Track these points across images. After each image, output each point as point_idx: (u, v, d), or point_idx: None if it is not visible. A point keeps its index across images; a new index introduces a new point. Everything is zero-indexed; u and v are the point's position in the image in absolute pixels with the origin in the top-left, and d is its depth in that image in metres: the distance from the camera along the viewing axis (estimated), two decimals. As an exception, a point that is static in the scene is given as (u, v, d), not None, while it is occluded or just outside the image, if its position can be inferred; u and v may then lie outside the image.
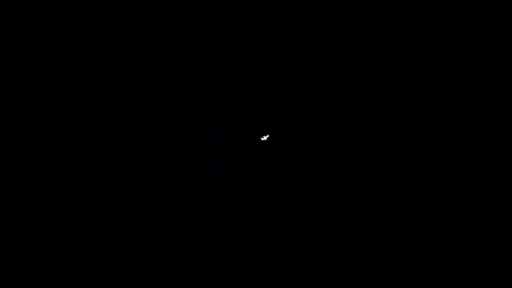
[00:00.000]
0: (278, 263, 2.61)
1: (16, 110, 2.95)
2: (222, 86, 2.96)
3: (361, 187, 2.72)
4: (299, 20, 3.06)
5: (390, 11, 3.03)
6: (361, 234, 2.65)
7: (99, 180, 2.83)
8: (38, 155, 2.87)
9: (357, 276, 2.57)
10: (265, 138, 2.57)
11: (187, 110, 2.96)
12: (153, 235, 2.70)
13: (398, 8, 3.03)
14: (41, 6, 3.02)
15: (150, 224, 2.73)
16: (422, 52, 3.02)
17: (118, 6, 3.04)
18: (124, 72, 3.05)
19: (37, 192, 2.80)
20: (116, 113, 2.96)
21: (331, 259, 2.61)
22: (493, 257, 2.57)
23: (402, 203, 2.70)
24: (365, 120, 2.78)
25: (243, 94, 2.94)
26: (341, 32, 3.06)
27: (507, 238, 2.60)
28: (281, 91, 2.94)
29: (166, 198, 2.79)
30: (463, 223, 2.65)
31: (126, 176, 2.83)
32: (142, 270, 2.61)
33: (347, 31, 3.05)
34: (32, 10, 3.02)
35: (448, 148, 2.76)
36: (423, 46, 3.03)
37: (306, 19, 3.06)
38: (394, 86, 2.91)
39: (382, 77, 3.01)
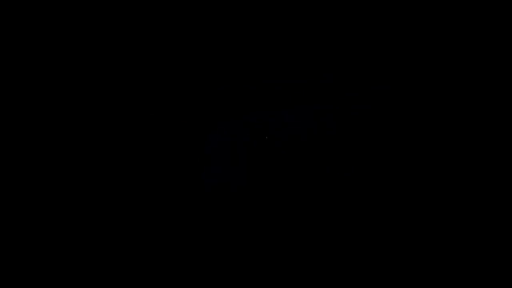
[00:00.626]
0: (278, 263, 2.61)
1: (16, 110, 2.94)
2: (222, 86, 2.96)
3: (361, 187, 2.72)
4: (299, 20, 3.06)
5: (390, 11, 3.03)
6: (361, 234, 2.65)
7: (98, 180, 2.83)
8: (37, 155, 2.87)
9: (357, 276, 2.57)
10: (267, 138, 2.57)
11: (187, 110, 2.96)
12: (152, 235, 2.70)
13: (398, 8, 3.03)
14: (40, 6, 3.02)
15: (149, 224, 2.73)
16: (422, 52, 3.02)
17: (118, 6, 3.04)
18: (124, 72, 3.05)
19: (37, 192, 2.80)
20: (116, 113, 2.96)
21: (331, 259, 2.61)
22: (493, 257, 2.57)
23: (402, 203, 2.70)
24: (365, 120, 2.78)
25: (243, 94, 2.94)
26: (340, 32, 3.05)
27: (507, 238, 2.60)
28: (281, 91, 2.94)
29: (166, 198, 2.78)
30: (463, 223, 2.65)
31: (126, 176, 2.83)
32: (142, 270, 2.61)
33: (347, 31, 3.05)
34: (31, 10, 3.02)
35: (449, 148, 2.76)
36: (423, 46, 3.03)
37: (305, 19, 3.06)
38: (394, 86, 2.91)
39: (382, 77, 3.01)
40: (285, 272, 2.58)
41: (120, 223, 2.73)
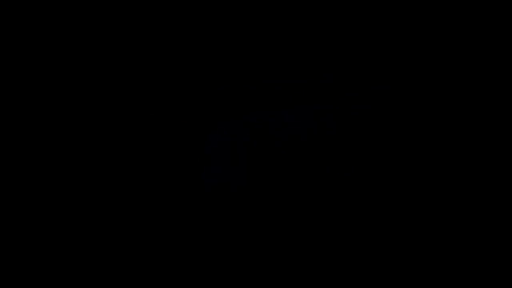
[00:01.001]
0: (278, 263, 2.61)
1: (15, 110, 2.95)
2: (222, 86, 2.96)
3: (361, 187, 2.72)
4: (299, 20, 3.06)
5: (390, 11, 3.03)
6: (361, 234, 2.65)
7: (98, 180, 2.83)
8: (38, 155, 2.87)
9: (357, 276, 2.57)
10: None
11: (187, 110, 2.96)
12: (152, 235, 2.70)
13: (398, 7, 3.03)
14: (40, 6, 3.02)
15: (149, 224, 2.73)
16: (422, 52, 3.02)
17: (118, 6, 3.04)
18: (124, 71, 3.05)
19: (37, 192, 2.80)
20: (116, 113, 2.96)
21: (331, 259, 2.61)
22: (493, 258, 2.57)
23: (402, 203, 2.70)
24: (365, 120, 2.78)
25: (243, 94, 2.94)
26: (340, 31, 3.06)
27: (507, 238, 2.60)
28: (281, 91, 2.94)
29: (165, 198, 2.78)
30: (463, 223, 2.65)
31: (126, 176, 2.83)
32: (142, 270, 2.61)
33: (347, 31, 3.05)
34: (31, 10, 3.02)
35: (449, 148, 2.76)
36: (423, 46, 3.03)
37: (305, 19, 3.06)
38: (394, 86, 2.91)
39: (382, 77, 3.01)
40: (285, 272, 2.58)
41: (121, 223, 2.73)
